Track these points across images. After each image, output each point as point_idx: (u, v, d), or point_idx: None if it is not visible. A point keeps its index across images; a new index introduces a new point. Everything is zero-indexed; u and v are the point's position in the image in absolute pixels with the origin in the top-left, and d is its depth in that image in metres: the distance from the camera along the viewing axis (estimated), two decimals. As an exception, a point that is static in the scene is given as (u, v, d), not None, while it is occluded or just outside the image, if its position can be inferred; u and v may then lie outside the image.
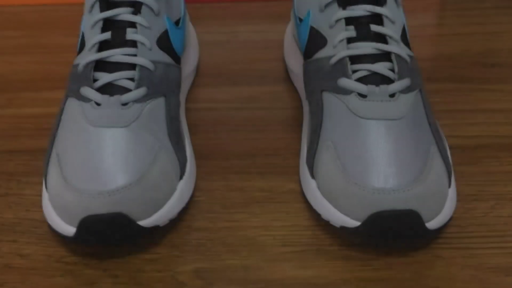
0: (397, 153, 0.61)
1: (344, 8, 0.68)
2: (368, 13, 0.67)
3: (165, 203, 0.62)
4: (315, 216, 0.64)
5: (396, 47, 0.66)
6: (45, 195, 0.63)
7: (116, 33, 0.67)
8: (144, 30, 0.68)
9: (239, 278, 0.60)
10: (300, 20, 0.74)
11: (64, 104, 0.67)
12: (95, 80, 0.65)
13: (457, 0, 0.99)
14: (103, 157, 0.61)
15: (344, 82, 0.65)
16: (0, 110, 0.80)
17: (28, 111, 0.80)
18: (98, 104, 0.64)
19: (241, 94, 0.82)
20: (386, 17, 0.67)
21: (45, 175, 0.64)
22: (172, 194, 0.63)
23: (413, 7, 0.96)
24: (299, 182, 0.68)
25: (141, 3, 0.68)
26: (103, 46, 0.67)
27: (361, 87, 0.64)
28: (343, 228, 0.61)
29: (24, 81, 0.85)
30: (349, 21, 0.68)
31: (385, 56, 0.66)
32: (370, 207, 0.59)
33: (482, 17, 0.96)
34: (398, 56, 0.66)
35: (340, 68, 0.66)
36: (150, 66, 0.66)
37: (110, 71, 0.66)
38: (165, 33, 0.70)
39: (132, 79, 0.65)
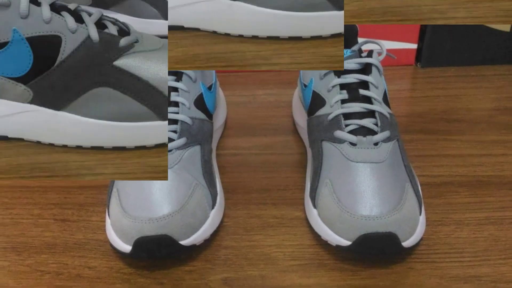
0: (379, 188, 0.61)
1: (338, 77, 0.68)
2: (357, 80, 0.68)
3: (201, 227, 0.62)
4: (316, 237, 0.64)
5: (379, 107, 0.67)
6: (107, 221, 0.63)
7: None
8: (184, 94, 0.68)
9: (257, 285, 0.60)
10: (305, 85, 0.74)
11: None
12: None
13: (426, 70, 1.00)
14: (152, 192, 0.61)
15: (339, 133, 0.66)
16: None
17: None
18: (149, 151, 0.64)
19: (259, 142, 0.81)
20: (371, 83, 0.68)
21: (107, 205, 0.64)
22: (206, 220, 0.63)
23: (392, 76, 0.97)
24: (304, 211, 0.68)
25: (182, 73, 0.68)
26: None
27: (352, 138, 0.64)
28: (338, 247, 0.61)
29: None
30: (342, 86, 0.68)
31: (371, 114, 0.66)
32: (359, 230, 0.59)
33: (445, 83, 0.96)
34: (380, 114, 0.66)
35: (335, 123, 0.66)
36: (189, 121, 0.67)
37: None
38: (201, 96, 0.70)
39: (175, 131, 0.66)
